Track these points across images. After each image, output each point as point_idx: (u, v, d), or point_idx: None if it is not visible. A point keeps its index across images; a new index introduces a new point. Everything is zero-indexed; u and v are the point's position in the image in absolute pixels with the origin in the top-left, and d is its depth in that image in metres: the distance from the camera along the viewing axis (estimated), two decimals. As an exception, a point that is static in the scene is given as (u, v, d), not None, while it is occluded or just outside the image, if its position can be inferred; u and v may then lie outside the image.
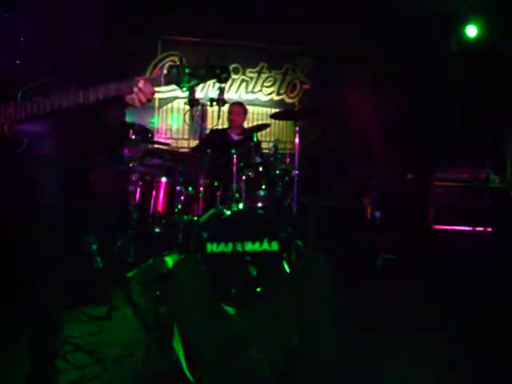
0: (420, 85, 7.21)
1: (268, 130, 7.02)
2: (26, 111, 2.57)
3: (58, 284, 2.89)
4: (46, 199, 2.85)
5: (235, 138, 6.30)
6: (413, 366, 3.42)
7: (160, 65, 7.70)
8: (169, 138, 7.76)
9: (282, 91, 8.53)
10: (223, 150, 5.65)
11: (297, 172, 5.47)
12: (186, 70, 2.64)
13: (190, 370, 2.53)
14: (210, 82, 7.93)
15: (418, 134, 7.30)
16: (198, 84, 2.73)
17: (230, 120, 6.52)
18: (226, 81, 2.77)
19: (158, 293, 4.33)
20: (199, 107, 5.77)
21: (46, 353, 2.88)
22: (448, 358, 3.56)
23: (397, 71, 7.47)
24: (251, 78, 8.30)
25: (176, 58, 7.73)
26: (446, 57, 7.12)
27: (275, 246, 4.79)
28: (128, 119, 7.51)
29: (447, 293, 4.97)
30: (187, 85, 2.70)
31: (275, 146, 5.71)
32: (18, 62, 2.71)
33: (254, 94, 8.35)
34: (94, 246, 5.19)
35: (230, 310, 3.11)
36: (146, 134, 5.84)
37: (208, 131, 6.84)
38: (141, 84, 2.61)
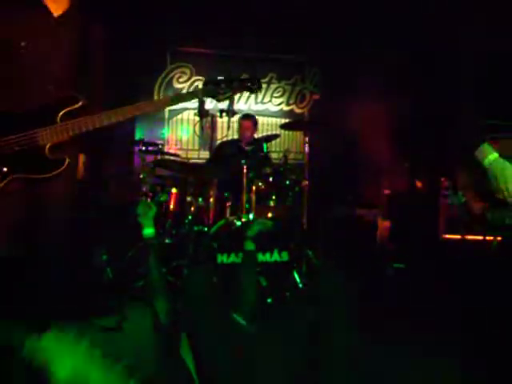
0: (434, 90, 7.16)
1: (278, 140, 7.03)
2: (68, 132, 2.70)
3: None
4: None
5: (246, 148, 6.30)
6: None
7: (170, 76, 7.74)
8: (179, 149, 7.77)
9: (291, 101, 8.53)
10: (234, 161, 5.66)
11: (307, 182, 5.46)
12: (222, 85, 2.85)
13: (199, 378, 2.53)
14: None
15: (429, 141, 7.26)
16: (232, 96, 2.93)
17: (240, 134, 6.52)
18: (256, 92, 3.00)
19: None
20: (209, 118, 5.80)
21: None
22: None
23: (409, 79, 7.44)
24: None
25: (187, 70, 7.76)
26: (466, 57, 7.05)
27: (285, 256, 4.78)
28: (138, 131, 7.55)
29: (456, 301, 4.93)
30: (223, 97, 2.90)
31: (285, 157, 5.72)
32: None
33: (263, 105, 8.36)
34: (104, 257, 5.20)
35: (241, 320, 3.10)
36: (155, 146, 5.87)
37: (218, 143, 6.86)
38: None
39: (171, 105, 2.90)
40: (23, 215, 2.85)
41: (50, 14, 2.86)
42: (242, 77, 2.96)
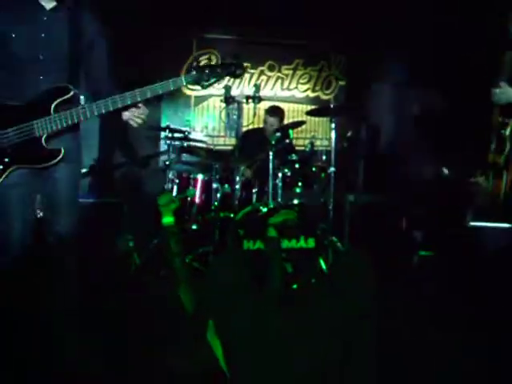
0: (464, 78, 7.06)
1: (304, 126, 7.01)
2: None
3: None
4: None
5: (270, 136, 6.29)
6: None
7: (195, 62, 7.73)
8: (205, 136, 7.78)
9: (317, 88, 8.49)
10: (260, 148, 5.65)
11: (333, 169, 5.44)
12: (206, 71, 2.94)
13: (227, 366, 2.54)
14: (246, 80, 7.95)
15: (457, 129, 7.18)
16: (216, 82, 3.01)
17: (264, 127, 6.50)
18: (240, 76, 3.09)
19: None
20: (235, 105, 5.79)
21: None
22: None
23: (437, 66, 7.35)
24: (286, 75, 8.28)
25: (213, 56, 7.75)
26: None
27: (312, 243, 4.77)
28: (164, 118, 7.57)
29: (482, 291, 4.88)
30: (207, 83, 2.98)
31: (311, 143, 5.70)
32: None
33: (289, 91, 8.33)
34: (131, 243, 5.24)
35: (267, 306, 3.11)
36: (181, 132, 5.89)
37: (243, 131, 6.86)
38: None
39: (157, 93, 2.90)
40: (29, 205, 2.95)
41: (42, 7, 2.91)
42: (227, 61, 3.06)
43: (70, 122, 2.81)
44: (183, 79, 2.92)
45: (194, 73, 2.94)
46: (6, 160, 2.76)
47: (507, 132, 4.00)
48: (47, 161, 2.84)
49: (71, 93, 2.84)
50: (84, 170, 6.50)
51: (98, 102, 2.83)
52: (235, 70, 3.00)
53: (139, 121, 3.02)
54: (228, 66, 3.00)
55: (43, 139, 2.80)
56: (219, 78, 2.98)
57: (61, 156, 2.84)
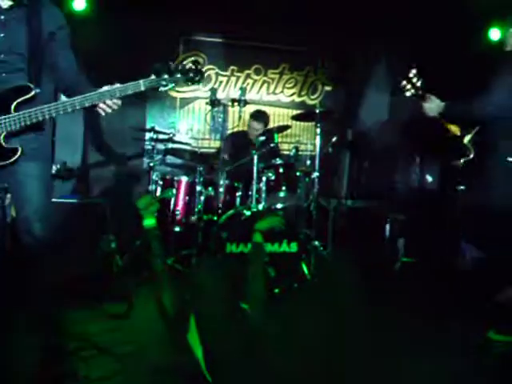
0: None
1: (289, 131, 7.02)
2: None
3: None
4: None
5: (254, 139, 6.29)
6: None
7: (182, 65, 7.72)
8: (190, 138, 7.76)
9: (303, 93, 8.50)
10: (244, 151, 5.66)
11: (317, 174, 5.46)
12: (164, 76, 2.97)
13: (208, 370, 2.53)
14: (232, 83, 7.95)
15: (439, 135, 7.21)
16: (174, 87, 3.07)
17: (248, 131, 6.51)
18: (199, 82, 3.13)
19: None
20: (220, 107, 5.79)
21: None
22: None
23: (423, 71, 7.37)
24: (273, 79, 8.28)
25: (199, 59, 7.75)
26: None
27: (294, 247, 4.79)
28: (149, 120, 7.55)
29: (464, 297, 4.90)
30: (164, 89, 3.01)
31: (296, 148, 5.71)
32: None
33: (275, 95, 8.33)
34: (113, 245, 5.22)
35: (248, 310, 3.11)
36: (166, 134, 5.89)
37: (228, 134, 6.85)
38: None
39: (115, 96, 2.90)
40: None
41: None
42: (186, 67, 3.07)
43: (29, 122, 2.81)
44: (141, 84, 2.92)
45: (154, 77, 2.95)
46: None
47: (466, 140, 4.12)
48: (4, 159, 2.83)
49: (32, 92, 2.84)
50: (62, 170, 6.47)
51: (58, 102, 2.84)
52: (194, 76, 3.05)
53: (108, 110, 2.98)
54: (187, 72, 3.04)
55: (1, 138, 2.79)
56: (177, 84, 3.02)
57: (18, 155, 2.84)
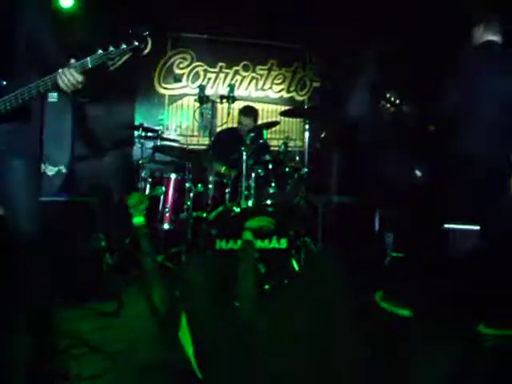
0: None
1: (278, 127, 7.02)
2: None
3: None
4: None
5: (244, 135, 6.28)
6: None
7: (170, 62, 7.71)
8: (178, 135, 7.76)
9: (291, 89, 8.51)
10: (233, 148, 5.65)
11: (306, 170, 5.46)
12: (110, 49, 2.74)
13: (198, 367, 2.53)
14: (221, 79, 7.95)
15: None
16: (120, 59, 2.79)
17: (238, 127, 6.50)
18: (144, 50, 2.84)
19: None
20: (209, 104, 5.79)
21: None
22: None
23: (413, 69, 7.39)
24: (261, 76, 8.28)
25: (187, 56, 7.74)
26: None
27: (284, 243, 4.79)
28: (138, 116, 7.53)
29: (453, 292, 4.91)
30: (113, 62, 2.77)
31: (285, 144, 5.71)
32: None
33: (263, 92, 8.33)
34: (103, 243, 5.20)
35: (239, 306, 3.11)
36: (155, 131, 5.87)
37: (217, 131, 6.84)
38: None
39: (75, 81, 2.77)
40: None
41: None
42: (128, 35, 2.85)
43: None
44: (89, 61, 2.73)
45: (100, 51, 2.74)
46: None
47: None
48: None
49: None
50: (58, 169, 6.45)
51: (9, 95, 2.75)
52: (140, 43, 2.81)
53: (71, 86, 2.86)
54: (131, 40, 2.80)
55: None
56: (124, 54, 2.78)
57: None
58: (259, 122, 6.65)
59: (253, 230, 3.65)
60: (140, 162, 5.70)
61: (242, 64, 8.13)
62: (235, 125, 6.62)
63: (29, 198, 2.97)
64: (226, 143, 6.08)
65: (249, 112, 6.48)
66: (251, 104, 7.01)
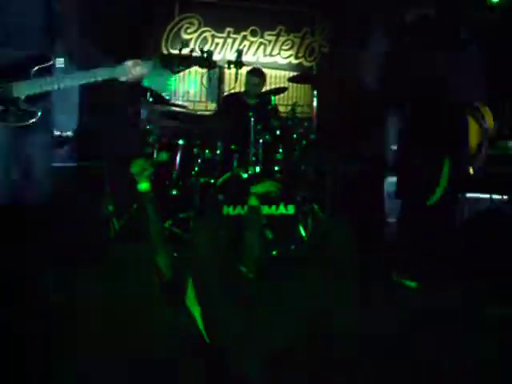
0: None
1: (286, 93, 6.98)
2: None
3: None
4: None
5: (250, 101, 6.23)
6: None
7: (177, 27, 7.64)
8: (186, 101, 7.72)
9: (300, 55, 8.44)
10: (240, 113, 5.62)
11: (314, 136, 5.44)
12: (176, 61, 3.19)
13: (206, 330, 2.55)
14: (228, 45, 7.89)
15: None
16: (184, 70, 3.31)
17: (246, 88, 6.43)
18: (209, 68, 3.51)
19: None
20: (216, 70, 5.75)
21: None
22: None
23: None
24: (269, 41, 8.21)
25: (195, 21, 7.67)
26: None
27: (291, 209, 4.79)
28: (145, 82, 7.49)
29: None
30: (176, 71, 3.25)
31: (293, 110, 5.68)
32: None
33: (271, 57, 8.27)
34: (111, 208, 5.22)
35: (246, 272, 3.13)
36: (161, 97, 5.84)
37: (223, 96, 6.79)
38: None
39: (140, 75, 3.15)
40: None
41: None
42: (197, 55, 3.28)
43: (45, 89, 2.94)
44: (156, 64, 3.16)
45: (166, 61, 3.22)
46: None
47: None
48: (23, 121, 2.93)
49: (50, 62, 2.99)
50: (66, 134, 6.45)
51: (72, 74, 3.02)
52: (204, 63, 3.42)
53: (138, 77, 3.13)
54: (198, 60, 3.32)
55: (20, 101, 2.89)
56: (188, 68, 3.31)
57: (38, 117, 2.95)
58: (267, 87, 6.60)
59: (258, 195, 3.66)
60: (147, 127, 5.68)
61: (249, 29, 8.06)
62: (243, 90, 6.56)
63: (43, 164, 3.10)
64: (231, 108, 6.05)
65: (257, 71, 6.42)
66: (259, 68, 6.97)
